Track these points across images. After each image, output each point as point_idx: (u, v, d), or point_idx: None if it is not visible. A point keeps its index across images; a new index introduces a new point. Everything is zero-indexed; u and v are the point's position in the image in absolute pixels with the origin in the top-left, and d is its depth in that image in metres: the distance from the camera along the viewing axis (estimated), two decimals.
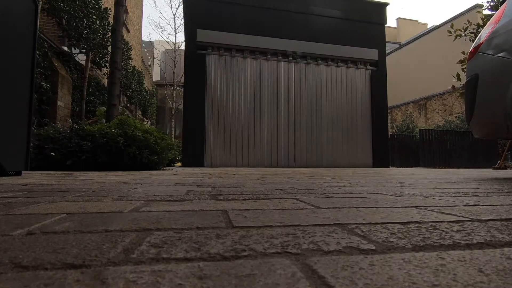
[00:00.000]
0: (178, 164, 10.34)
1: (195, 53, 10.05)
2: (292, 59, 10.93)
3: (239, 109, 10.32)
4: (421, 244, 0.60)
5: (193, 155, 9.80)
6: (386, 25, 12.25)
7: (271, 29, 10.74)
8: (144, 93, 16.81)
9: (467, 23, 7.23)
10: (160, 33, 65.14)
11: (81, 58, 9.19)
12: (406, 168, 11.11)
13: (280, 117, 10.71)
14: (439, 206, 1.14)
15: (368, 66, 11.68)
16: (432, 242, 0.61)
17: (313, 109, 11.04)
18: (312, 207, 1.08)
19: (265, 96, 10.61)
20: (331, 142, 11.16)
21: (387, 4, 12.39)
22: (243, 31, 10.44)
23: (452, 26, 7.34)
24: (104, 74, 11.11)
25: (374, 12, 11.97)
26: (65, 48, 8.61)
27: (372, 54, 11.63)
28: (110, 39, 8.27)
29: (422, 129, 14.71)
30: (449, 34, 7.40)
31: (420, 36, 22.03)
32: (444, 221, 0.83)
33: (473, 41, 6.43)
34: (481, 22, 6.79)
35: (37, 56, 5.76)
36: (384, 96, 11.86)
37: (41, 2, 7.25)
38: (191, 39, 10.08)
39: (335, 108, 11.26)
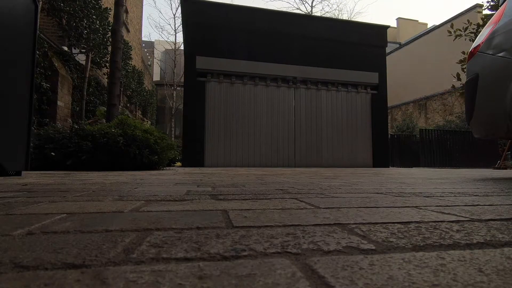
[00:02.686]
0: (178, 164, 10.35)
1: (194, 80, 10.04)
2: (292, 84, 10.90)
3: (238, 128, 10.35)
4: (421, 244, 0.60)
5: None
6: (386, 47, 12.23)
7: (271, 55, 10.69)
8: (144, 93, 16.82)
9: (467, 23, 7.23)
10: (160, 33, 65.15)
11: (81, 58, 9.19)
12: (406, 168, 11.12)
13: (280, 132, 10.73)
14: (439, 206, 1.14)
15: (369, 90, 11.64)
16: (432, 242, 0.61)
17: (313, 124, 11.06)
18: (312, 207, 1.08)
19: (265, 112, 10.63)
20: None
21: (387, 27, 12.36)
22: (243, 57, 10.41)
23: (452, 26, 7.34)
24: (104, 74, 11.11)
25: (374, 35, 11.92)
26: (65, 48, 8.61)
27: (372, 77, 11.58)
28: (110, 39, 8.28)
29: (422, 129, 14.70)
30: (449, 34, 7.39)
31: (420, 36, 22.00)
32: (444, 221, 0.83)
33: (473, 41, 6.42)
34: (481, 22, 6.78)
35: (37, 56, 5.76)
36: (385, 116, 11.86)
37: (41, 2, 7.25)
38: (190, 66, 10.05)
39: (336, 127, 11.28)
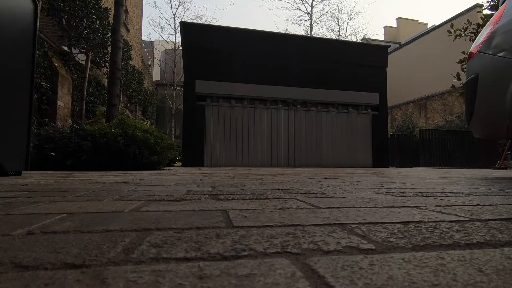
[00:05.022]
0: (178, 164, 10.34)
1: (194, 104, 10.02)
2: (292, 106, 10.87)
3: (238, 151, 10.37)
4: (421, 244, 0.60)
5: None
6: (387, 67, 12.15)
7: (270, 77, 10.66)
8: (144, 93, 16.81)
9: (467, 23, 7.22)
10: (160, 33, 65.05)
11: (81, 58, 9.19)
12: (406, 168, 11.12)
13: (279, 153, 10.76)
14: (439, 206, 1.14)
15: (369, 111, 11.61)
16: (432, 242, 0.61)
17: (314, 141, 11.07)
18: (312, 207, 1.08)
19: (264, 134, 10.63)
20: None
21: (387, 47, 12.34)
22: (242, 80, 10.38)
23: (452, 26, 7.33)
24: (104, 74, 11.11)
25: (375, 56, 11.87)
26: (65, 48, 8.61)
27: (373, 98, 11.54)
28: (110, 39, 8.27)
29: (422, 129, 14.70)
30: (449, 34, 7.39)
31: (420, 36, 21.98)
32: (444, 221, 0.83)
33: (473, 41, 6.42)
34: (481, 22, 6.78)
35: (37, 56, 5.76)
36: (385, 134, 11.85)
37: (41, 2, 7.24)
38: (190, 90, 10.03)
39: (336, 143, 11.27)
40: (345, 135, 11.32)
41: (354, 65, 11.51)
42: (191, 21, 24.69)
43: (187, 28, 10.59)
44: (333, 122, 11.24)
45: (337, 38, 28.70)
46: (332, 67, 11.32)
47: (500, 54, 2.69)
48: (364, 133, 11.52)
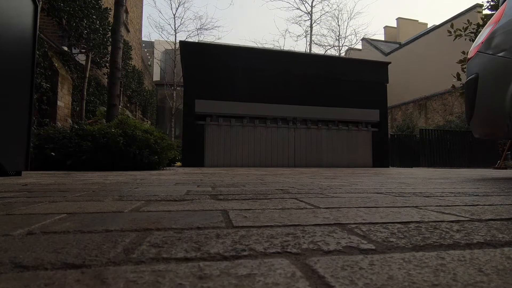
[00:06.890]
0: (178, 164, 10.34)
1: (193, 124, 10.02)
2: (292, 124, 10.85)
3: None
4: (421, 244, 0.60)
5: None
6: (388, 84, 12.07)
7: (270, 95, 10.62)
8: (144, 93, 16.81)
9: (467, 23, 7.21)
10: (160, 33, 64.97)
11: (81, 58, 9.19)
12: (406, 168, 11.11)
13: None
14: (439, 206, 1.14)
15: (370, 128, 11.57)
16: (432, 242, 0.61)
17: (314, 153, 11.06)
18: (312, 207, 1.08)
19: (264, 151, 10.63)
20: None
21: (388, 63, 12.30)
22: (242, 99, 10.35)
23: (452, 26, 7.32)
24: (104, 74, 11.11)
25: (375, 72, 11.82)
26: (65, 48, 8.61)
27: (373, 115, 11.50)
28: (110, 39, 8.27)
29: (422, 129, 14.69)
30: (449, 34, 7.38)
31: (420, 36, 21.99)
32: (444, 221, 0.83)
33: (473, 41, 6.42)
34: (481, 22, 6.77)
35: (37, 56, 5.76)
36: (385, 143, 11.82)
37: (41, 2, 7.24)
38: (189, 110, 10.02)
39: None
40: (345, 151, 11.29)
41: (355, 82, 11.45)
42: (191, 21, 24.71)
43: (186, 47, 10.56)
44: (333, 141, 11.18)
45: (337, 38, 28.67)
46: (333, 84, 11.27)
47: (500, 54, 2.69)
48: (365, 147, 11.51)
